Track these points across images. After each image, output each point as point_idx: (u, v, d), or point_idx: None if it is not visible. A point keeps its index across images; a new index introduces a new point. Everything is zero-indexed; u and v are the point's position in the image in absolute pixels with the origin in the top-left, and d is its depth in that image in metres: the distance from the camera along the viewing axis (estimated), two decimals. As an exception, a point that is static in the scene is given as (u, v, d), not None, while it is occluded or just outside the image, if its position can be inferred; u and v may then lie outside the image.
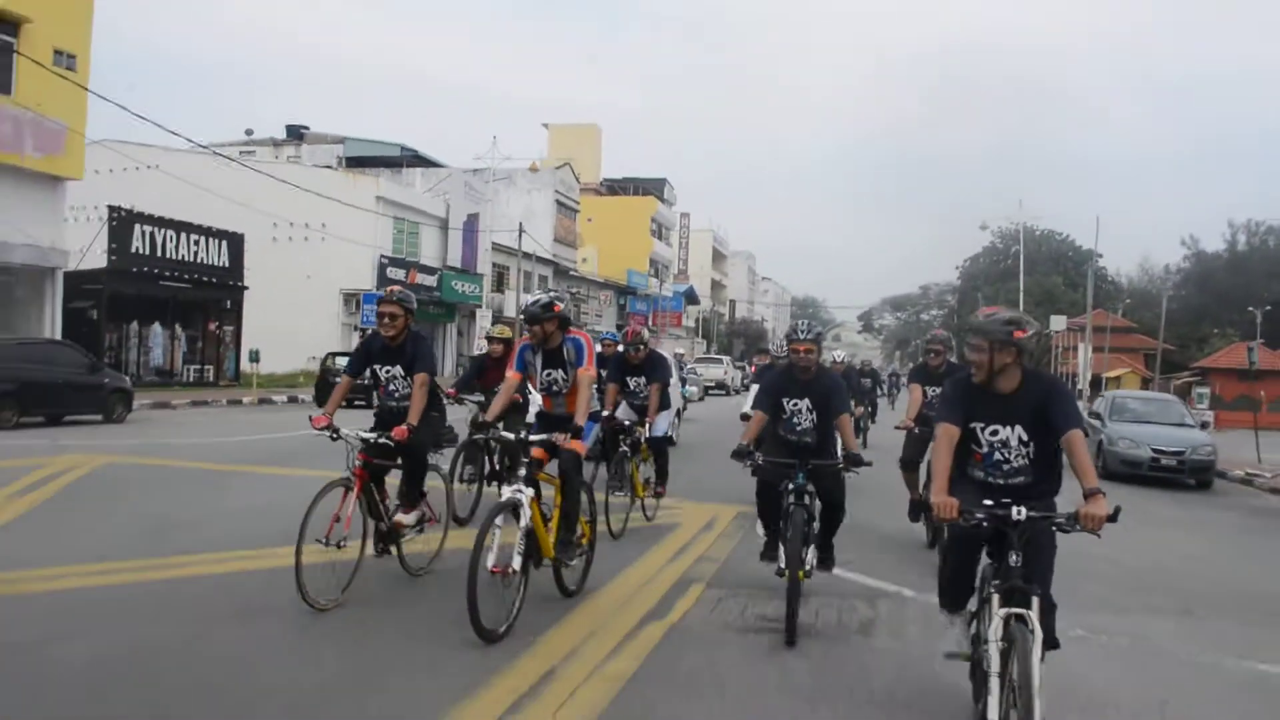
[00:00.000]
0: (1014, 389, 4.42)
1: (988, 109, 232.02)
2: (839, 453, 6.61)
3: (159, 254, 26.25)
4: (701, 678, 5.11)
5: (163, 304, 26.96)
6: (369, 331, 8.01)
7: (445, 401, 7.57)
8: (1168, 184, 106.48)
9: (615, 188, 74.81)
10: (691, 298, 78.38)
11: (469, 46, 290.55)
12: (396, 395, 6.74)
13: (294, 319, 33.39)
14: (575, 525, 6.35)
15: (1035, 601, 4.06)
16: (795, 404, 6.62)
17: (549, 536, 6.05)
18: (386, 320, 6.58)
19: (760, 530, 6.96)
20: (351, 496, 6.00)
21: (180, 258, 27.02)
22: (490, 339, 10.45)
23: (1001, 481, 4.47)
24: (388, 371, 6.75)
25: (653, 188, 77.08)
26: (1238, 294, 55.68)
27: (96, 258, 24.63)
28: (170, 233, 26.75)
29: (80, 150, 22.92)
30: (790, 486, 6.23)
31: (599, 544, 7.06)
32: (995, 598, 4.16)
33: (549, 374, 6.56)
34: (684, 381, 22.38)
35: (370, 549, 6.40)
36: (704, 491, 11.45)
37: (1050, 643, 4.14)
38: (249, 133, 58.77)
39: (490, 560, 5.37)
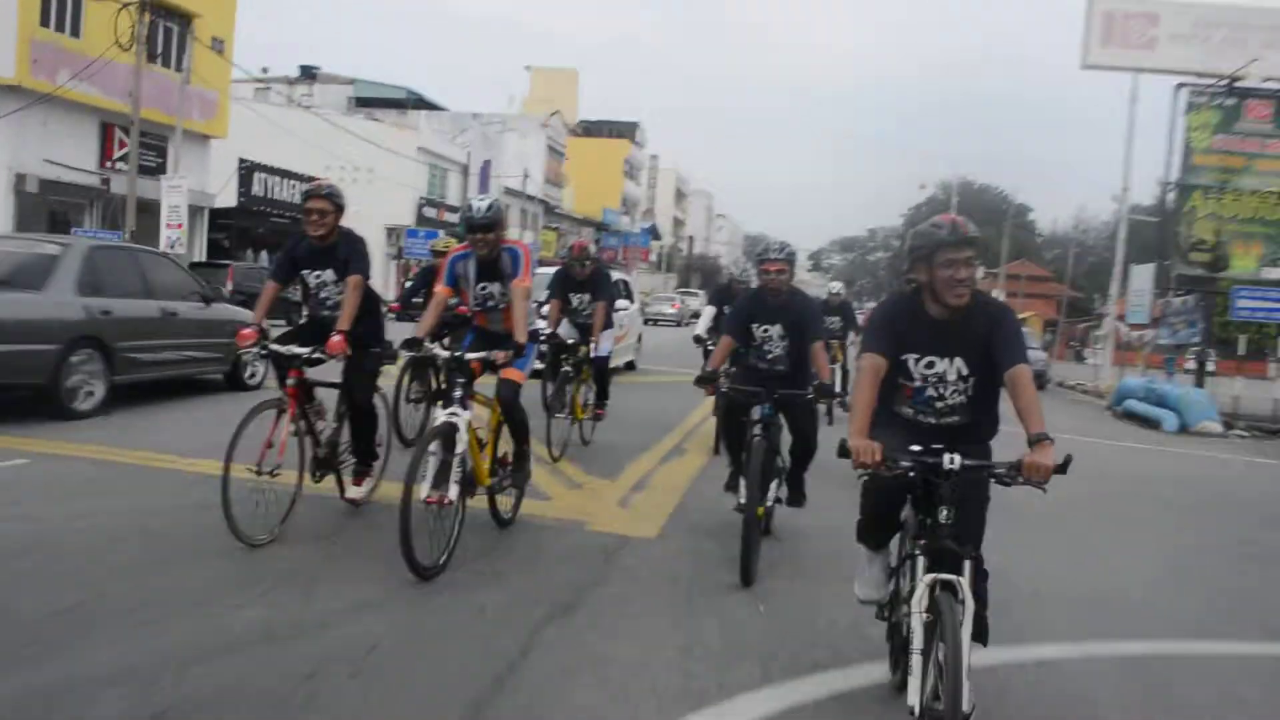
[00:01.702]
0: (957, 315, 3.59)
1: (944, 58, 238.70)
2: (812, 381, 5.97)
3: (269, 195, 32.71)
4: (640, 619, 4.67)
5: (271, 236, 33.40)
6: (416, 265, 7.26)
7: (387, 315, 6.78)
8: (1109, 139, 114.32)
9: (591, 129, 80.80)
10: (655, 234, 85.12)
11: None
12: (329, 304, 5.94)
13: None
14: (526, 457, 6.06)
15: (967, 566, 3.34)
16: (766, 330, 6.09)
17: (484, 463, 5.61)
18: (315, 217, 5.74)
19: (728, 462, 6.50)
20: (285, 419, 5.41)
21: (284, 198, 33.46)
22: (435, 251, 10.17)
23: (933, 420, 3.75)
24: (317, 277, 5.96)
25: (626, 131, 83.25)
26: (1162, 247, 63.88)
27: (229, 197, 31.07)
28: (276, 179, 33.16)
29: (226, 114, 29.31)
30: (755, 416, 5.79)
31: (538, 468, 6.98)
32: (921, 561, 3.40)
33: (484, 288, 5.95)
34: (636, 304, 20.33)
35: (307, 478, 5.77)
36: (660, 419, 11.53)
37: (980, 628, 3.44)
38: (265, 70, 63.99)
39: (424, 490, 4.95)
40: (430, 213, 42.39)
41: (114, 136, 25.75)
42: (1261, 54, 17.80)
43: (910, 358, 3.72)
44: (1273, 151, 18.56)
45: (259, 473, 5.20)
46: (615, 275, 15.71)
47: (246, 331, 5.55)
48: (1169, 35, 18.93)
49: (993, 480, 3.45)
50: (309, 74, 61.47)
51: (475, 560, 5.32)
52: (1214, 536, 8.21)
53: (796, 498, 6.34)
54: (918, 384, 3.74)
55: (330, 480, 6.12)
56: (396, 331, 6.26)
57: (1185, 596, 6.19)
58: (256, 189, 31.93)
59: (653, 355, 20.23)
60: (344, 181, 40.05)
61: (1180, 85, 18.85)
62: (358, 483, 6.21)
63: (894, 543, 4.02)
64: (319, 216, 5.75)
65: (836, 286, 14.96)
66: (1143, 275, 20.22)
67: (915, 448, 3.50)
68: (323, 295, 5.99)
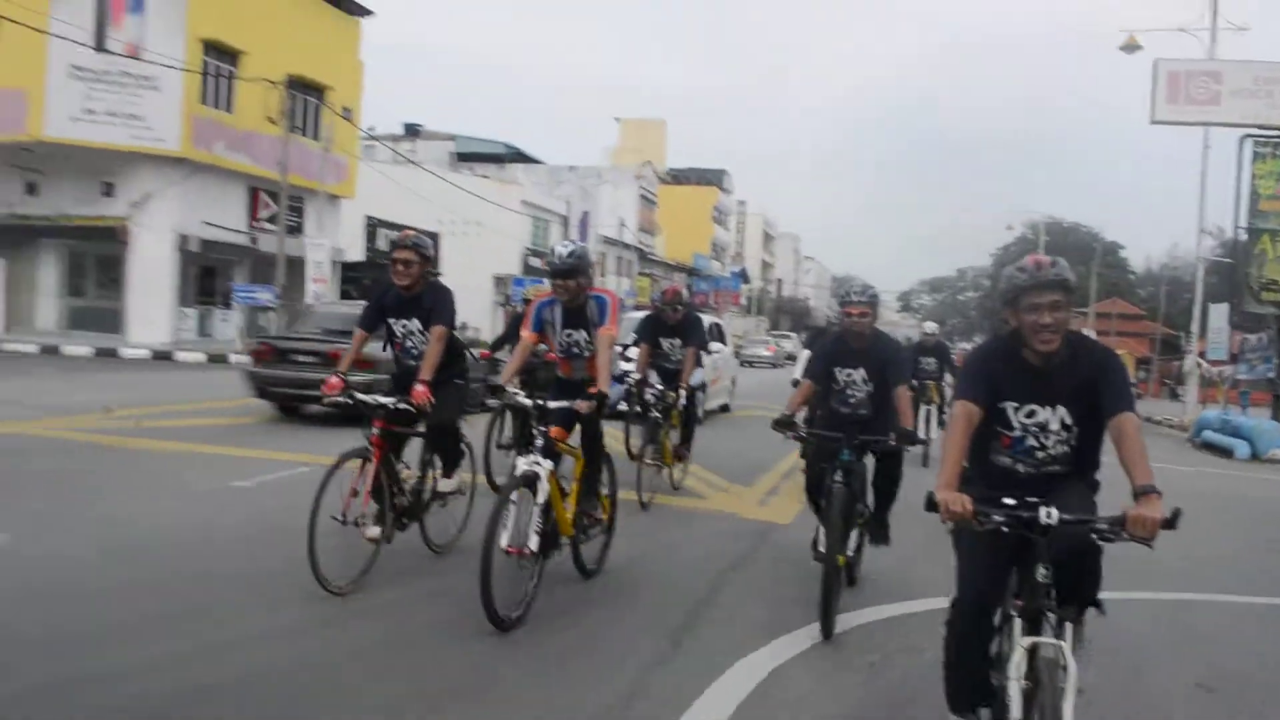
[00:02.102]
0: (1058, 360, 3.41)
1: (1025, 97, 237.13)
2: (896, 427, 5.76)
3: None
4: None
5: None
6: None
7: (474, 359, 6.59)
8: (1194, 176, 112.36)
9: (680, 177, 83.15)
10: (745, 278, 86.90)
11: (549, 41, 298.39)
12: (415, 353, 6.01)
13: (459, 297, 42.58)
14: (599, 470, 5.94)
15: (1069, 631, 3.20)
16: (849, 374, 5.98)
17: (567, 513, 5.50)
18: (400, 267, 5.79)
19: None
20: (370, 469, 5.40)
21: (403, 252, 36.22)
22: (526, 300, 10.32)
23: (1033, 470, 3.55)
24: (404, 326, 6.04)
25: (714, 178, 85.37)
26: (1234, 287, 63.43)
27: (357, 252, 33.84)
28: (396, 233, 35.97)
29: (355, 176, 32.09)
30: (836, 463, 5.59)
31: (627, 518, 6.87)
32: (1017, 623, 3.22)
33: (569, 334, 5.91)
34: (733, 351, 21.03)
35: (390, 526, 5.74)
36: (752, 465, 11.17)
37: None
38: (371, 129, 67.77)
39: (505, 539, 4.84)
40: (535, 262, 44.83)
41: (260, 199, 28.65)
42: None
43: (1009, 405, 3.52)
44: (1340, 197, 19.65)
45: (344, 522, 5.19)
46: (708, 319, 15.84)
47: (332, 381, 5.57)
48: (1231, 91, 20.09)
49: (1094, 536, 3.19)
50: (412, 131, 64.60)
51: (553, 615, 5.20)
52: (1255, 537, 9.63)
53: (880, 535, 6.23)
54: (1017, 433, 3.55)
55: (414, 529, 6.11)
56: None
57: (1213, 568, 7.72)
58: (380, 243, 34.57)
59: (752, 394, 21.34)
60: (454, 234, 43.04)
61: (1245, 136, 20.10)
62: (447, 476, 6.24)
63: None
64: (404, 266, 5.79)
65: (931, 327, 14.81)
66: (1219, 314, 21.35)
67: (1009, 500, 3.28)
68: (409, 344, 6.05)
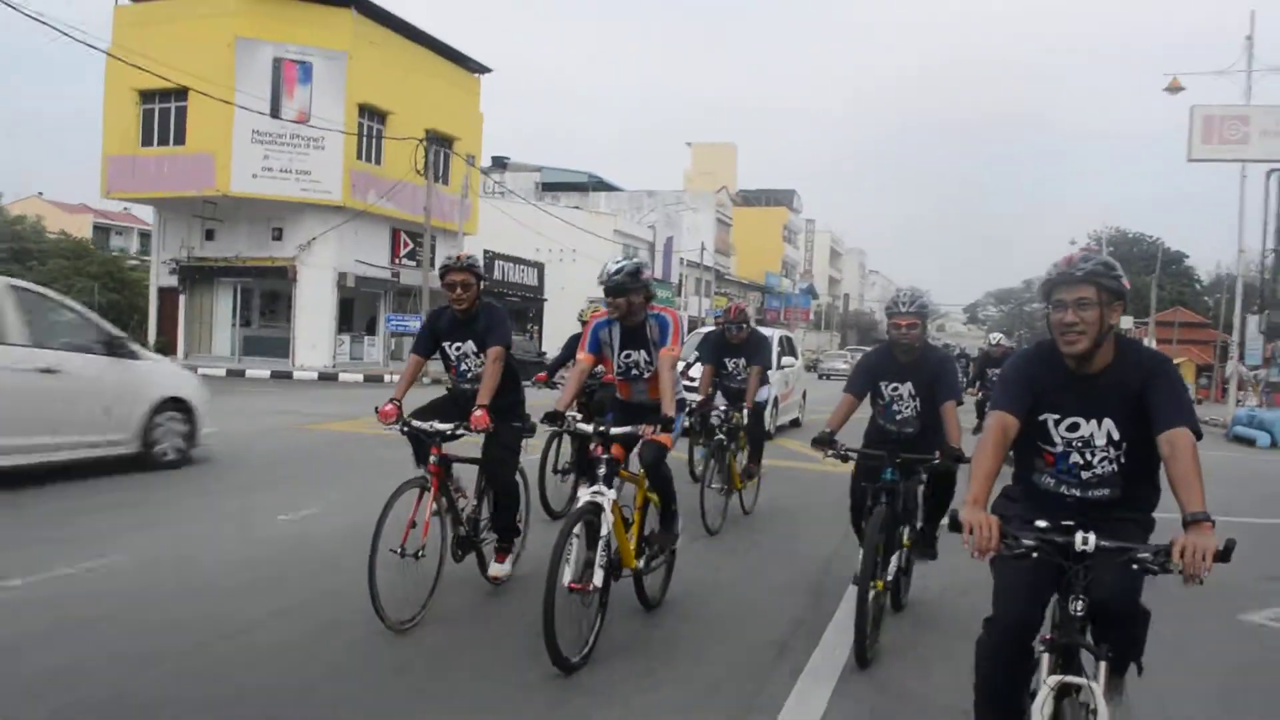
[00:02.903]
0: (1104, 367, 3.12)
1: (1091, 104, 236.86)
2: (943, 445, 5.32)
3: (504, 278, 39.44)
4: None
5: (510, 314, 40.11)
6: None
7: (531, 385, 6.61)
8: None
9: (750, 199, 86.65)
10: (813, 293, 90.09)
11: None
12: (470, 376, 5.75)
13: (555, 320, 46.44)
14: (674, 518, 5.58)
15: (1103, 669, 2.87)
16: (895, 388, 5.60)
17: (630, 544, 5.15)
18: (459, 291, 5.54)
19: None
20: (428, 498, 5.18)
21: (516, 280, 40.19)
22: (584, 323, 8.87)
23: (1077, 493, 3.24)
24: (458, 349, 5.76)
25: (784, 198, 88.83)
26: (1265, 300, 65.11)
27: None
28: (509, 264, 39.94)
29: (477, 215, 36.18)
30: (879, 483, 5.23)
31: (693, 546, 6.77)
32: (1046, 658, 2.95)
33: (628, 355, 5.56)
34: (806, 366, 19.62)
35: (449, 557, 5.47)
36: (830, 485, 9.73)
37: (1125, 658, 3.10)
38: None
39: (568, 575, 4.52)
40: (624, 285, 48.76)
41: (400, 239, 32.79)
42: (1337, 144, 22.09)
43: (1050, 418, 3.20)
44: (1356, 221, 22.70)
45: (403, 554, 4.97)
46: (779, 332, 16.51)
47: (387, 409, 5.37)
48: (1260, 132, 23.03)
49: (1136, 567, 2.81)
50: (500, 164, 68.85)
51: (618, 655, 4.88)
52: (1249, 494, 12.49)
53: (928, 551, 5.83)
54: (1059, 449, 3.22)
55: (472, 559, 5.83)
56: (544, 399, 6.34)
57: (1210, 506, 10.81)
58: (496, 274, 38.59)
59: (830, 401, 24.10)
60: (553, 261, 47.02)
61: (1271, 171, 23.14)
62: (500, 559, 5.89)
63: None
64: (463, 290, 5.57)
65: (997, 337, 14.73)
66: (1253, 324, 24.27)
67: (1041, 523, 2.96)
68: (464, 367, 5.80)
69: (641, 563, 5.31)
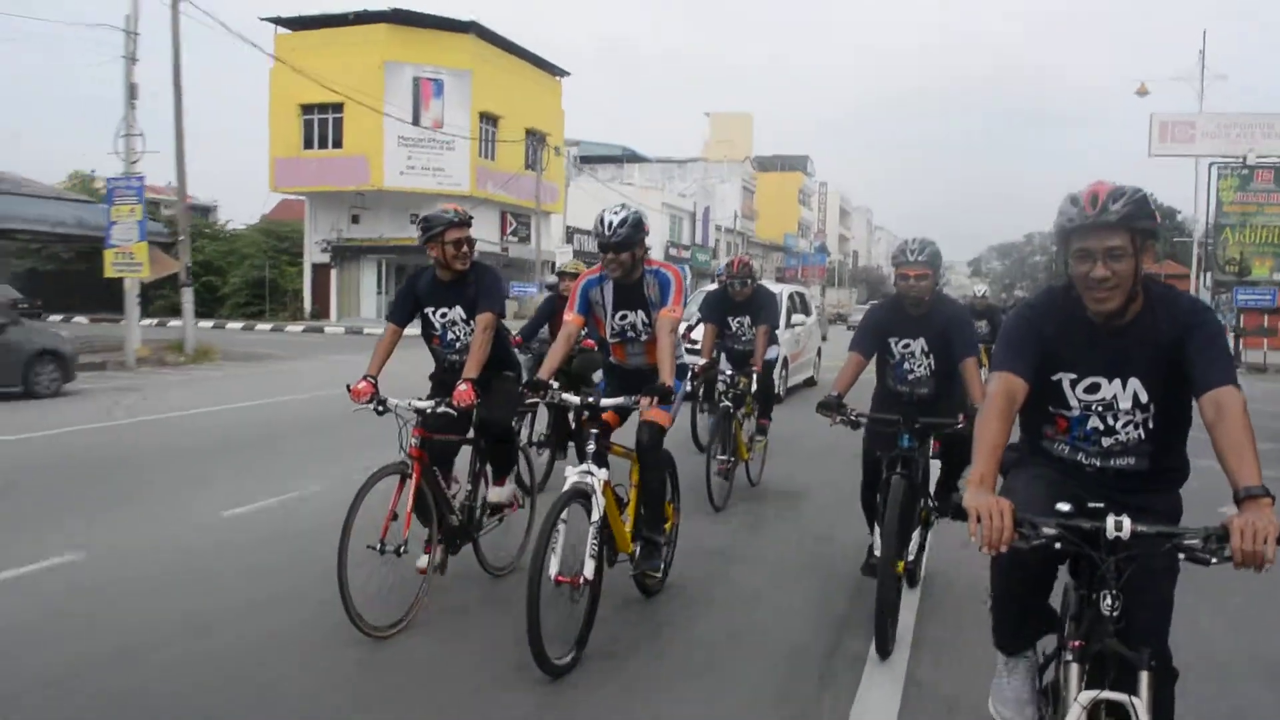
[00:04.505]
0: (1130, 318, 2.64)
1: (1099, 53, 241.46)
2: (965, 407, 4.78)
3: (581, 249, 46.39)
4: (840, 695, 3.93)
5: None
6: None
7: (516, 353, 5.82)
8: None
9: (766, 165, 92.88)
10: (825, 251, 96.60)
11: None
12: (458, 346, 5.14)
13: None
14: (660, 518, 5.00)
15: (1144, 679, 2.36)
16: (906, 345, 5.06)
17: (625, 527, 4.70)
18: (453, 249, 4.90)
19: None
20: (410, 486, 4.60)
21: (590, 250, 47.03)
22: (561, 274, 8.60)
23: (1097, 463, 2.79)
24: (443, 315, 5.13)
25: (798, 164, 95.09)
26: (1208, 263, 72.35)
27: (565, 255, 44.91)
28: (584, 236, 46.92)
29: (564, 197, 43.10)
30: (894, 451, 4.72)
31: (696, 522, 6.24)
32: (1074, 668, 2.46)
33: (624, 316, 4.97)
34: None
35: (441, 553, 4.95)
36: (838, 454, 8.46)
37: None
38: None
39: (554, 566, 4.05)
40: (673, 251, 55.53)
41: (506, 220, 39.75)
42: (1259, 143, 29.11)
43: (1065, 378, 2.73)
44: (1275, 201, 29.62)
45: (382, 550, 4.40)
46: (790, 288, 15.47)
47: (360, 386, 4.68)
48: (1203, 133, 29.91)
49: (1182, 557, 2.35)
50: (539, 138, 75.25)
51: (613, 652, 4.39)
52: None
53: (946, 507, 3.98)
54: (1075, 414, 2.76)
55: (467, 556, 5.21)
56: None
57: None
58: (576, 245, 45.56)
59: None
60: (613, 233, 53.71)
61: (1211, 164, 29.96)
62: (500, 483, 5.37)
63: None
64: (463, 248, 4.91)
65: (981, 288, 13.68)
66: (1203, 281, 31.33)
67: (1064, 506, 2.48)
68: (450, 336, 5.15)
69: (638, 547, 4.82)
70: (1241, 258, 29.58)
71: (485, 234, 38.39)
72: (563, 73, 43.33)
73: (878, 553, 4.69)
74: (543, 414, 7.59)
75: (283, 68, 32.94)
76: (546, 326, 8.44)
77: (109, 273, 18.90)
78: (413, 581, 4.73)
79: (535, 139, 39.80)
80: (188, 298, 20.95)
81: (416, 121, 35.34)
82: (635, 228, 4.69)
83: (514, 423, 5.60)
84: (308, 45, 35.74)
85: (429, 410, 4.72)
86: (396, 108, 34.34)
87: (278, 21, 36.96)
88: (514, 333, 7.42)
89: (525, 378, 5.53)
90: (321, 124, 36.44)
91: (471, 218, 5.07)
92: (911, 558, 5.01)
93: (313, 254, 38.84)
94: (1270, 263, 29.65)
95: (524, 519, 5.74)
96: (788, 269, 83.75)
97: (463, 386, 4.71)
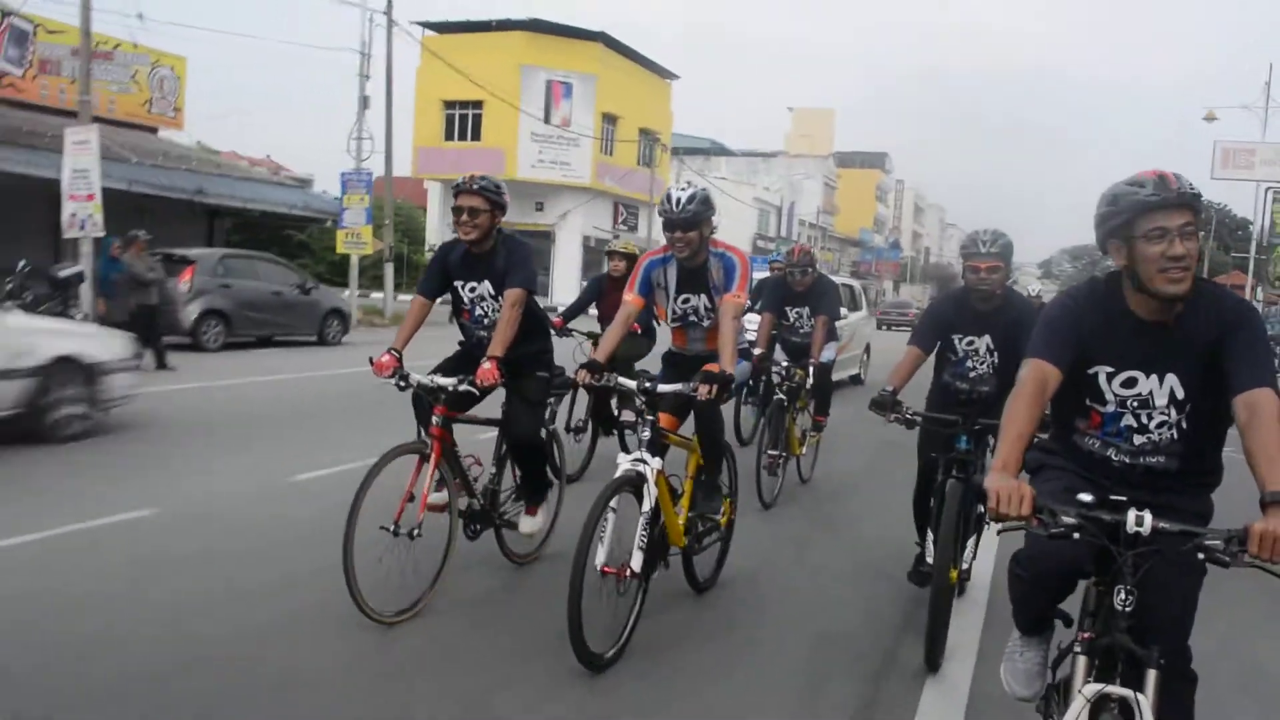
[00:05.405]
0: (1179, 312, 2.57)
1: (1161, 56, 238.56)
2: None
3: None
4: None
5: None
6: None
7: (552, 335, 5.51)
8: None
9: (845, 160, 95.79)
10: (898, 248, 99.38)
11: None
12: (486, 322, 4.89)
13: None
14: (719, 468, 4.79)
15: (1151, 677, 2.35)
16: (970, 342, 4.82)
17: (678, 519, 4.47)
18: (465, 217, 4.62)
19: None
20: (429, 467, 4.41)
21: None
22: (611, 253, 8.07)
23: (1127, 460, 2.75)
24: (472, 289, 4.87)
25: (876, 161, 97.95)
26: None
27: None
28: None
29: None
30: (951, 453, 4.53)
31: (745, 519, 5.86)
32: (1082, 660, 2.47)
33: (686, 299, 4.77)
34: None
35: (460, 535, 4.69)
36: (894, 453, 8.48)
37: None
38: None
39: (601, 556, 3.88)
40: (760, 243, 59.41)
41: (619, 210, 44.00)
42: (1312, 172, 32.86)
43: (1102, 371, 2.68)
44: (1323, 225, 33.37)
45: (395, 533, 4.24)
46: (839, 279, 14.87)
47: (384, 359, 4.51)
48: (1261, 160, 33.27)
49: (1202, 556, 2.29)
50: (652, 139, 79.13)
51: (661, 648, 4.23)
52: None
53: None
54: (1110, 409, 2.71)
55: (488, 540, 5.03)
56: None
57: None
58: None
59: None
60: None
61: (1268, 189, 33.46)
62: (531, 512, 5.07)
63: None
64: (470, 216, 4.61)
65: (1036, 288, 12.67)
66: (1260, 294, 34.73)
67: (1086, 496, 2.42)
68: (478, 312, 4.92)
69: (690, 540, 4.61)
70: (1291, 272, 33.02)
71: (600, 221, 42.74)
72: (673, 76, 47.37)
73: (929, 559, 4.65)
74: (581, 397, 6.89)
75: (428, 66, 37.41)
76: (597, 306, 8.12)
77: (339, 250, 23.33)
78: (425, 568, 4.45)
79: (649, 139, 43.97)
80: (388, 272, 25.40)
81: (547, 120, 39.64)
82: (704, 204, 4.48)
83: (544, 433, 5.24)
84: (452, 46, 40.00)
85: (451, 389, 4.50)
86: (531, 106, 38.66)
87: (427, 25, 41.42)
88: (556, 312, 7.53)
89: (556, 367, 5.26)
90: (462, 119, 40.90)
91: (497, 187, 4.69)
92: (966, 566, 4.80)
93: (443, 235, 43.23)
94: (1317, 278, 33.07)
95: (551, 503, 5.35)
96: (862, 263, 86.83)
97: (487, 365, 4.44)
